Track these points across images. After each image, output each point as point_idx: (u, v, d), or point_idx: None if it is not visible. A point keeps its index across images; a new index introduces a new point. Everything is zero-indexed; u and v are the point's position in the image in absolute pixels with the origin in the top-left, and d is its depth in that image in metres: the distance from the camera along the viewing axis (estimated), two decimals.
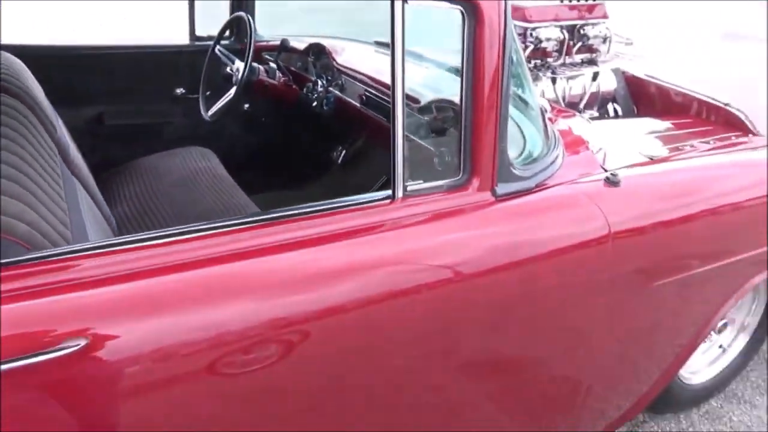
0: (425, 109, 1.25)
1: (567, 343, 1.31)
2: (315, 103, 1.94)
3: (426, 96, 1.32)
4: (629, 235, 1.24)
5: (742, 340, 1.93)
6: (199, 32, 2.23)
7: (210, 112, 1.94)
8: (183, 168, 1.92)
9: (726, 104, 2.21)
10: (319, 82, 1.95)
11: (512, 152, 1.14)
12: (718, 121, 2.17)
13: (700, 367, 1.90)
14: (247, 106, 2.24)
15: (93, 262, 0.80)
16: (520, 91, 1.22)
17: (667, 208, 1.32)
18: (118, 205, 1.69)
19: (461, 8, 1.01)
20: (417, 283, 0.99)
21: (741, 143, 1.86)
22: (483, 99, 1.05)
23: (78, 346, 0.71)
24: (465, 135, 1.07)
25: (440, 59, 1.32)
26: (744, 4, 9.22)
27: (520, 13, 2.24)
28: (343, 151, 2.23)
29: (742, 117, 2.08)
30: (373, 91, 1.79)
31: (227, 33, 2.15)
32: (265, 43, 2.22)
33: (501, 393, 1.30)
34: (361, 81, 1.88)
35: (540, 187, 1.19)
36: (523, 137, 1.22)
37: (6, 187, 0.87)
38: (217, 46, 2.03)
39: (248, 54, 1.76)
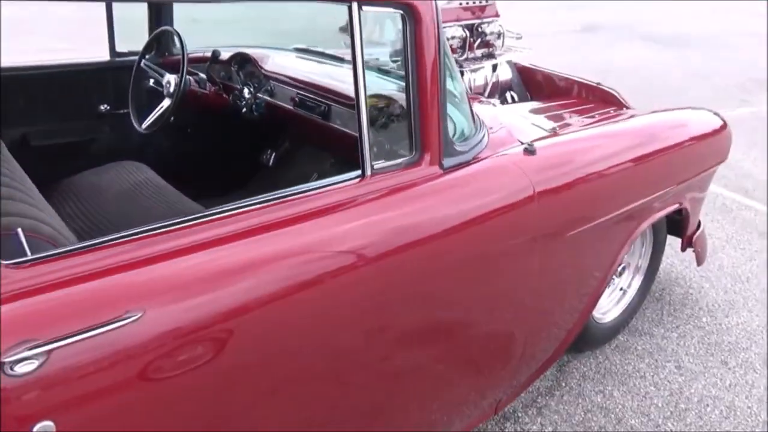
0: (376, 100, 1.42)
1: (508, 297, 1.54)
2: (245, 110, 2.05)
3: (374, 89, 1.50)
4: (549, 194, 1.49)
5: (638, 281, 2.29)
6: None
7: (144, 125, 1.99)
8: (121, 182, 1.95)
9: (598, 83, 2.59)
10: (246, 90, 2.06)
11: (450, 132, 1.35)
12: (596, 100, 2.53)
13: (609, 307, 2.23)
14: (172, 118, 2.30)
15: (114, 251, 0.90)
16: (449, 80, 1.43)
17: (573, 170, 1.59)
18: (68, 224, 1.71)
19: (402, 11, 1.20)
20: (394, 245, 1.17)
21: (619, 115, 2.21)
22: (426, 87, 1.25)
23: (133, 318, 0.81)
24: (414, 119, 1.26)
25: (382, 58, 1.50)
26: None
27: None
28: (273, 154, 2.35)
29: (615, 94, 2.45)
30: (305, 93, 1.94)
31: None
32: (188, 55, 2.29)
33: (450, 351, 1.49)
34: (290, 85, 2.01)
35: (475, 159, 1.40)
36: (456, 119, 1.43)
37: (20, 196, 0.94)
38: (142, 60, 2.09)
39: (183, 65, 1.84)
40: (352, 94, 1.83)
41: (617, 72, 6.07)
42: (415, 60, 1.23)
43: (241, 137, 2.26)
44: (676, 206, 2.07)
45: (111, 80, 2.17)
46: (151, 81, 2.10)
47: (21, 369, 0.74)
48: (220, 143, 2.30)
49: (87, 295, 0.81)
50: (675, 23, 9.93)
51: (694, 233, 2.33)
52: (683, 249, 2.37)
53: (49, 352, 0.76)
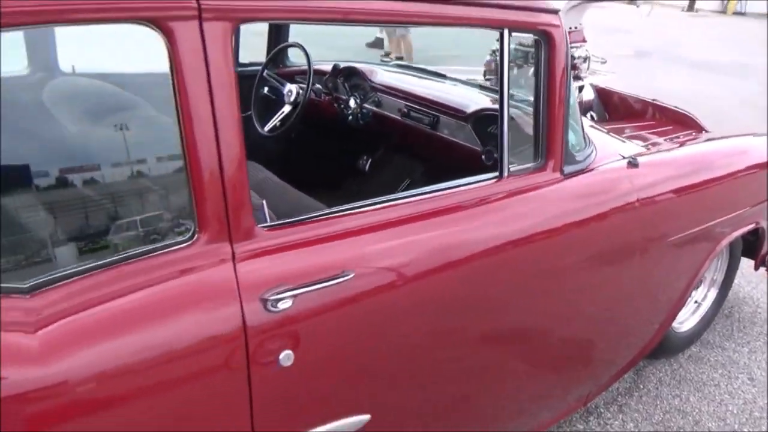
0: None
1: (609, 294, 1.69)
2: (350, 118, 2.26)
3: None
4: (649, 202, 1.65)
5: (713, 294, 2.41)
6: None
7: (266, 128, 2.22)
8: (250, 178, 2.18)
9: (675, 107, 2.73)
10: (352, 100, 2.27)
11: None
12: (670, 121, 2.67)
13: (686, 317, 2.35)
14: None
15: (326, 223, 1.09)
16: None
17: (671, 183, 1.74)
18: None
19: (540, 37, 1.39)
20: (524, 236, 1.35)
21: (699, 137, 2.35)
22: (555, 102, 1.43)
23: (348, 277, 1.01)
24: (542, 130, 1.44)
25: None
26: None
27: None
28: (369, 160, 2.55)
29: (693, 117, 2.59)
30: (413, 104, 2.14)
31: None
32: (297, 68, 2.53)
33: (549, 342, 1.64)
34: (398, 96, 2.21)
35: (588, 169, 1.57)
36: (573, 132, 1.60)
37: None
38: (264, 71, 2.32)
39: (310, 76, 2.06)
40: (458, 106, 2.04)
41: (679, 95, 6.15)
42: (548, 78, 1.41)
43: (341, 143, 2.46)
44: (753, 225, 2.19)
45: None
46: (266, 89, 2.33)
47: (280, 306, 0.93)
48: (319, 148, 2.50)
49: (317, 254, 1.01)
50: (720, 52, 9.94)
51: (766, 254, 2.44)
52: (756, 268, 2.48)
53: (296, 296, 0.95)
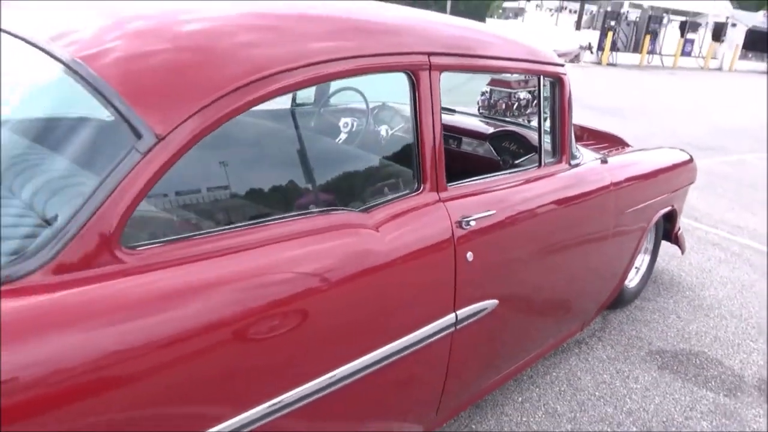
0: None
1: (595, 249, 2.54)
2: None
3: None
4: (617, 185, 2.54)
5: (647, 260, 3.37)
6: None
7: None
8: None
9: (604, 131, 3.74)
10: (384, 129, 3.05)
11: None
12: (603, 140, 3.67)
13: (632, 277, 3.28)
14: None
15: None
16: None
17: (627, 173, 2.66)
18: None
19: (556, 80, 2.25)
20: (558, 200, 2.17)
21: (629, 149, 3.35)
22: (564, 120, 2.29)
23: (491, 213, 1.78)
24: (558, 137, 2.29)
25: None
26: None
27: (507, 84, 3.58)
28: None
29: (619, 136, 3.61)
30: (456, 135, 2.92)
31: None
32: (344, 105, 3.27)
33: (555, 285, 2.46)
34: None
35: (582, 163, 2.44)
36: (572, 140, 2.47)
37: None
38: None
39: (368, 109, 2.81)
40: (477, 129, 2.87)
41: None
42: (561, 104, 2.27)
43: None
44: (670, 207, 3.19)
45: None
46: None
47: (469, 225, 1.67)
48: None
49: (479, 199, 1.77)
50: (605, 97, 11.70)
51: (677, 231, 3.46)
52: (671, 242, 3.48)
53: (477, 219, 1.70)
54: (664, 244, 3.53)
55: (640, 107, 11.31)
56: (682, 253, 3.61)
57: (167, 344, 1.06)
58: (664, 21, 24.86)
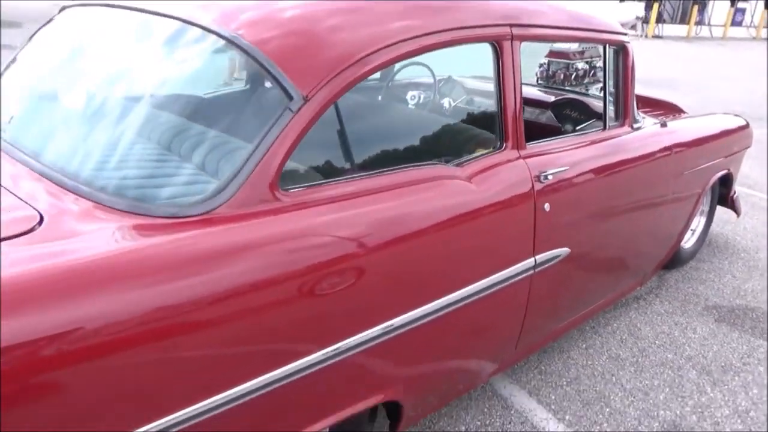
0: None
1: (650, 217, 2.70)
2: None
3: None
4: (676, 147, 2.69)
5: (702, 222, 3.50)
6: None
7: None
8: None
9: (658, 98, 3.85)
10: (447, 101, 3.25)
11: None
12: (659, 107, 3.78)
13: (688, 238, 3.42)
14: None
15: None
16: None
17: (686, 137, 2.80)
18: None
19: (620, 48, 2.41)
20: (623, 158, 2.35)
21: (684, 115, 3.46)
22: (628, 85, 2.45)
23: (564, 169, 1.98)
24: (621, 101, 2.46)
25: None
26: None
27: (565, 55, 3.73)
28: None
29: (674, 103, 3.72)
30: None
31: None
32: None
33: (622, 239, 2.64)
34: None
35: (643, 127, 2.60)
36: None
37: None
38: None
39: (435, 82, 3.02)
40: (538, 98, 3.05)
41: None
42: (624, 71, 2.43)
43: None
44: (726, 171, 3.30)
45: None
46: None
47: (546, 179, 1.88)
48: None
49: (557, 157, 1.97)
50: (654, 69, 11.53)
51: (733, 195, 3.57)
52: (726, 206, 3.59)
53: (553, 174, 1.90)
54: (719, 210, 3.64)
55: (690, 79, 11.13)
56: (738, 216, 3.71)
57: (310, 270, 1.31)
58: None
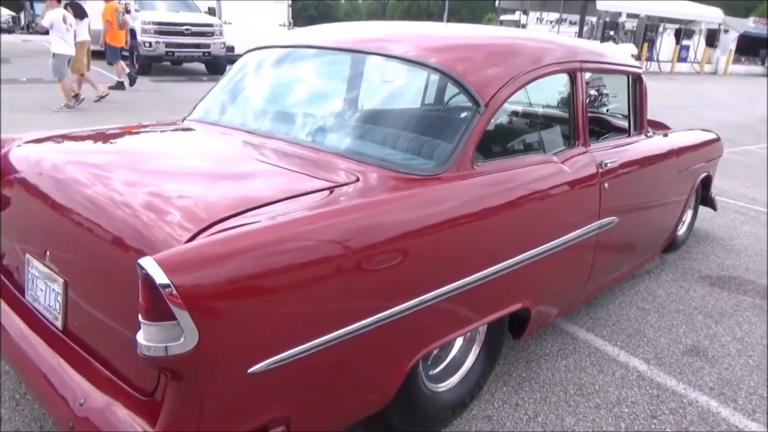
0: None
1: (662, 203, 3.58)
2: None
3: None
4: (677, 152, 3.59)
5: (690, 214, 4.43)
6: None
7: None
8: None
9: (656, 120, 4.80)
10: None
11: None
12: (655, 125, 4.73)
13: (680, 228, 4.32)
14: None
15: None
16: None
17: (681, 143, 3.71)
18: None
19: (636, 77, 3.30)
20: (643, 156, 3.21)
21: (671, 130, 4.40)
22: (643, 105, 3.34)
23: (616, 159, 2.81)
24: (636, 117, 3.34)
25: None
26: None
27: None
28: None
29: (661, 121, 4.67)
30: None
31: None
32: None
33: (636, 223, 3.49)
34: None
35: (652, 136, 3.48)
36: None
37: None
38: None
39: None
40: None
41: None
42: (640, 95, 3.32)
43: None
44: (707, 173, 4.24)
45: None
46: None
47: (606, 166, 2.71)
48: None
49: (615, 153, 2.80)
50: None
51: (711, 194, 4.52)
52: (706, 204, 4.53)
53: (612, 161, 2.74)
54: (700, 210, 4.58)
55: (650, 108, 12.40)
56: (715, 210, 4.65)
57: (492, 208, 2.10)
58: (660, 29, 26.15)
